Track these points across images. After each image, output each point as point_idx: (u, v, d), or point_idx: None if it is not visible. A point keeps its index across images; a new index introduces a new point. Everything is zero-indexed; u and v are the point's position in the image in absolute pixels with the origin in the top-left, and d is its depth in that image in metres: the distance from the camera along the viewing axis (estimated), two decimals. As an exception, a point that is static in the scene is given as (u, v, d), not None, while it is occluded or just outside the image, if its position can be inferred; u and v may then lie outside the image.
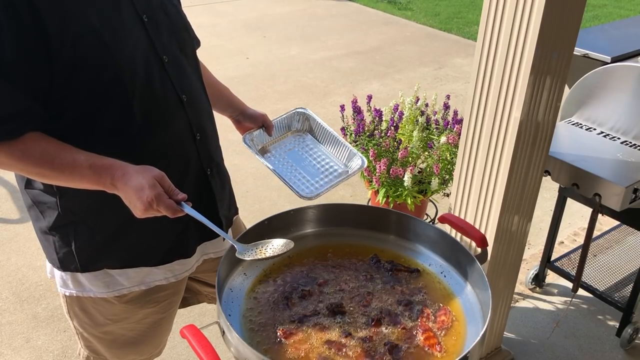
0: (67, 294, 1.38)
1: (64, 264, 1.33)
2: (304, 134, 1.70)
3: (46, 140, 1.15)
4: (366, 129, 2.64)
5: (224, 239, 1.50)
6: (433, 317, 1.23)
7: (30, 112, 1.12)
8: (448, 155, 2.58)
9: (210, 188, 1.41)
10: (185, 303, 1.63)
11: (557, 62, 1.67)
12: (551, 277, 2.78)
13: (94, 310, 1.40)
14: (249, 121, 1.63)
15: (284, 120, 1.68)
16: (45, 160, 1.14)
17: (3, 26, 1.05)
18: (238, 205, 1.62)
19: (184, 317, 2.53)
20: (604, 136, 2.29)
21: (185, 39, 1.36)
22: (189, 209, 1.16)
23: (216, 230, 1.21)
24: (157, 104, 1.25)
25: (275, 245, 1.23)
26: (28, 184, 1.29)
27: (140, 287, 1.38)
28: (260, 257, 1.21)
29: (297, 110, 1.70)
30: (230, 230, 1.53)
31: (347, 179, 1.60)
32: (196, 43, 1.50)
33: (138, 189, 1.11)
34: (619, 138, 2.27)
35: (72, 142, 1.16)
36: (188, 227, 1.37)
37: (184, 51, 1.34)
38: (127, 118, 1.21)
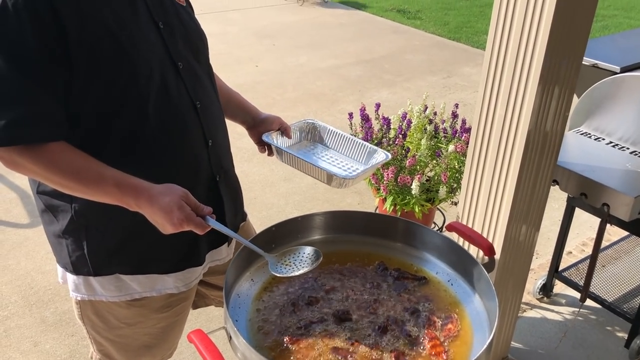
0: (79, 298, 1.39)
1: (76, 268, 1.34)
2: (315, 143, 1.66)
3: (74, 152, 1.16)
4: (374, 137, 2.64)
5: (228, 245, 1.51)
6: (440, 326, 1.23)
7: (55, 116, 1.13)
8: (456, 164, 2.58)
9: (219, 194, 1.41)
10: (193, 305, 1.64)
11: (565, 71, 1.67)
12: (559, 287, 2.77)
13: (108, 314, 1.41)
14: (263, 125, 1.58)
15: (294, 128, 1.63)
16: (72, 173, 1.15)
17: (26, 28, 1.06)
18: (246, 212, 1.63)
19: (191, 322, 2.53)
20: (613, 146, 2.28)
21: (199, 47, 1.37)
22: (213, 223, 1.19)
23: (245, 243, 1.25)
24: (171, 110, 1.26)
25: (305, 258, 1.26)
26: (40, 188, 1.29)
27: (151, 293, 1.39)
28: (292, 274, 1.23)
29: (306, 120, 1.67)
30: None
31: (373, 170, 1.55)
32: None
33: (167, 211, 1.14)
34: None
35: (87, 150, 1.17)
36: (199, 235, 1.38)
37: (198, 58, 1.35)
38: (142, 123, 1.22)
